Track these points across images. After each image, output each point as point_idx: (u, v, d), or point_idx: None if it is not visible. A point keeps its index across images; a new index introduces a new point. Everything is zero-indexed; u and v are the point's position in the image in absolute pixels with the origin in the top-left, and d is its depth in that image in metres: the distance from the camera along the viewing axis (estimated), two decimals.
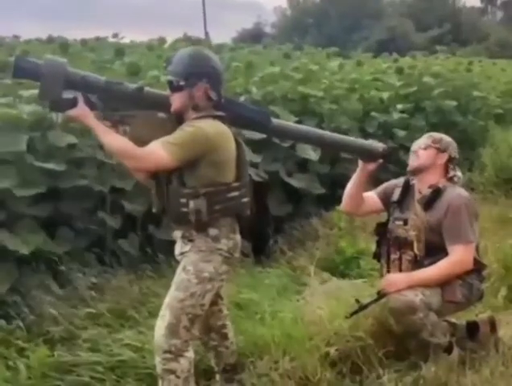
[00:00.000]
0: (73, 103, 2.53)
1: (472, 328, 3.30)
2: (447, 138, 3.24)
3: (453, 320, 3.32)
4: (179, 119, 2.62)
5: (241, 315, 3.52)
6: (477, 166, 7.53)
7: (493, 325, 3.32)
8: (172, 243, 2.79)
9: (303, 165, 5.58)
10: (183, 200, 2.53)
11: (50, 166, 3.77)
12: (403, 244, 3.12)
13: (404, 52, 16.64)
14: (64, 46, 7.13)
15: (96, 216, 4.03)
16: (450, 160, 3.18)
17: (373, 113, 6.86)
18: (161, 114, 2.64)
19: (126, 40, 13.89)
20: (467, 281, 3.08)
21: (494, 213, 5.60)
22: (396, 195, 3.24)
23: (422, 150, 3.16)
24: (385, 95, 7.21)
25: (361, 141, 3.21)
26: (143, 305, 3.61)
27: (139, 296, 3.70)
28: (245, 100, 5.41)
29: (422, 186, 3.17)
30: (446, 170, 3.18)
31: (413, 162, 3.18)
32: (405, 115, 7.36)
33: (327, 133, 3.13)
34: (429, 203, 3.10)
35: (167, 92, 2.65)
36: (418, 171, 3.18)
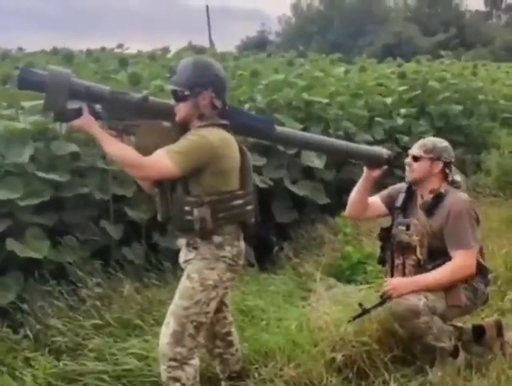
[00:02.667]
0: (78, 113, 2.54)
1: (479, 332, 3.28)
2: (440, 144, 3.17)
3: (459, 324, 3.31)
4: (183, 128, 2.63)
5: (247, 322, 3.52)
6: (483, 169, 7.52)
7: (499, 328, 3.29)
8: (177, 251, 2.79)
9: (308, 171, 5.58)
10: (188, 208, 2.53)
11: (53, 176, 3.79)
12: (406, 248, 3.12)
13: (409, 57, 16.62)
14: (68, 57, 7.17)
15: (99, 225, 4.05)
16: (446, 165, 3.14)
17: (377, 119, 6.87)
18: (165, 123, 2.65)
19: (133, 50, 13.94)
20: (471, 285, 3.07)
21: (500, 216, 5.56)
22: (399, 201, 3.23)
23: (415, 163, 3.13)
24: (388, 100, 7.21)
25: (365, 147, 3.21)
26: (149, 313, 3.61)
27: (145, 304, 3.70)
28: (249, 108, 5.43)
29: (423, 192, 3.16)
30: (445, 175, 3.16)
31: (408, 174, 3.16)
32: (409, 120, 7.35)
33: (331, 140, 3.14)
34: (431, 208, 3.09)
35: (172, 101, 2.66)
36: (415, 183, 3.17)
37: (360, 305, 3.14)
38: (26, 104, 4.10)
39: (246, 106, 5.50)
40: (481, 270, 3.11)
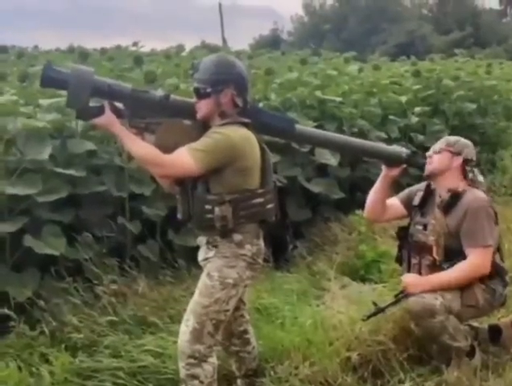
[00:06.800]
0: (100, 111, 2.57)
1: (495, 332, 3.27)
2: (463, 141, 3.20)
3: (475, 324, 3.30)
4: (204, 126, 2.64)
5: (262, 320, 3.52)
6: (499, 169, 7.46)
7: None
8: (191, 248, 2.81)
9: (322, 169, 5.58)
10: (209, 207, 2.54)
11: (70, 172, 3.82)
12: (422, 248, 3.11)
13: (423, 56, 16.53)
14: (83, 55, 7.21)
15: (116, 222, 4.07)
16: (466, 162, 3.14)
17: (392, 117, 6.84)
18: (186, 121, 2.66)
19: (146, 49, 13.97)
20: (490, 287, 3.06)
21: None
22: (417, 199, 3.23)
23: (435, 155, 3.15)
24: (403, 98, 7.17)
25: (384, 146, 3.22)
26: (164, 310, 3.62)
27: (160, 302, 3.71)
28: (263, 106, 5.43)
29: (441, 191, 3.15)
30: (464, 173, 3.15)
31: (427, 167, 3.16)
32: (424, 118, 7.31)
33: (350, 139, 3.14)
34: (448, 207, 3.08)
35: (193, 99, 2.67)
36: (433, 176, 3.16)
37: (374, 303, 3.14)
38: (44, 101, 4.13)
39: (260, 105, 5.49)
40: (499, 271, 3.09)
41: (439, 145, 3.19)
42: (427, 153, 3.20)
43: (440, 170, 3.13)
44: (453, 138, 3.24)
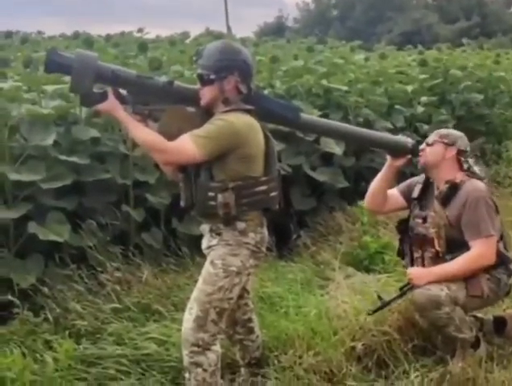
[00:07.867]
0: (103, 97, 2.55)
1: (500, 323, 3.26)
2: (455, 133, 3.20)
3: (480, 315, 3.28)
4: (208, 112, 2.62)
5: (266, 309, 3.52)
6: (504, 159, 7.42)
7: None
8: (195, 237, 2.80)
9: (326, 158, 5.55)
10: (212, 194, 2.53)
11: (74, 159, 3.80)
12: (424, 241, 3.09)
13: (429, 45, 16.43)
14: (88, 41, 7.18)
15: (120, 210, 4.05)
16: (460, 153, 3.11)
17: (397, 106, 6.80)
18: (190, 108, 2.64)
19: (152, 35, 13.95)
20: (494, 276, 3.04)
21: None
22: (416, 192, 3.21)
23: (428, 147, 3.13)
24: (409, 88, 7.13)
25: (389, 136, 3.19)
26: (167, 298, 3.62)
27: (163, 289, 3.71)
28: (268, 94, 5.40)
29: (439, 183, 3.13)
30: (459, 164, 3.12)
31: (421, 159, 3.14)
32: (430, 108, 7.26)
33: (355, 128, 3.12)
34: (447, 198, 3.05)
35: (197, 86, 2.65)
36: (427, 168, 3.14)
37: (379, 297, 3.12)
38: (49, 88, 4.10)
39: (265, 92, 5.46)
40: (504, 261, 3.07)
41: (431, 137, 3.17)
42: (420, 147, 3.17)
43: (434, 162, 3.10)
44: (445, 131, 3.23)
